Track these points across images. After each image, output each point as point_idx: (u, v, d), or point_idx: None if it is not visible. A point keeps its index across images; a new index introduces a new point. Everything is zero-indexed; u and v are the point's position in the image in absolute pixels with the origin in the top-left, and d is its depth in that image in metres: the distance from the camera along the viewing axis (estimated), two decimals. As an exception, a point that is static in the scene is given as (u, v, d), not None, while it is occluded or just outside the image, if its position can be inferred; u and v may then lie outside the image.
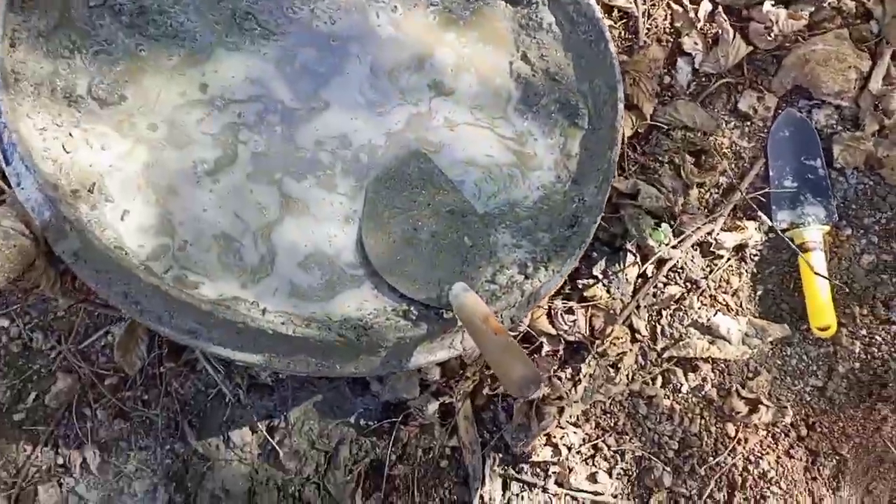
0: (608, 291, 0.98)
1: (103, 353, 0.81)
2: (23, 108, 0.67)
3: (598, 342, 0.95)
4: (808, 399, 0.95)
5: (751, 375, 0.96)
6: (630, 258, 0.97)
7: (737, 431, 0.94)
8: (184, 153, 0.75)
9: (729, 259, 0.98)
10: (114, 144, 0.72)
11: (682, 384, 0.95)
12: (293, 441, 0.85)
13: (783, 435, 0.94)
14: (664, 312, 0.97)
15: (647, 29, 1.02)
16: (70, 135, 0.69)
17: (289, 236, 0.74)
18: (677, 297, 0.97)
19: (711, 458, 0.93)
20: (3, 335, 0.79)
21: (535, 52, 0.92)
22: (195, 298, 0.64)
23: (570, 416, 0.95)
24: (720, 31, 1.00)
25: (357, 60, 0.85)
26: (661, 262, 0.97)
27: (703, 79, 1.02)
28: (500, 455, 0.93)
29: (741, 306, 0.98)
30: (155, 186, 0.72)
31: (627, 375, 0.96)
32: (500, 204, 0.84)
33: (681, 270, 0.99)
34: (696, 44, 1.01)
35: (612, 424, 0.95)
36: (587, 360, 0.95)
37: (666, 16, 1.03)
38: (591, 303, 0.97)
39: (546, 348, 0.96)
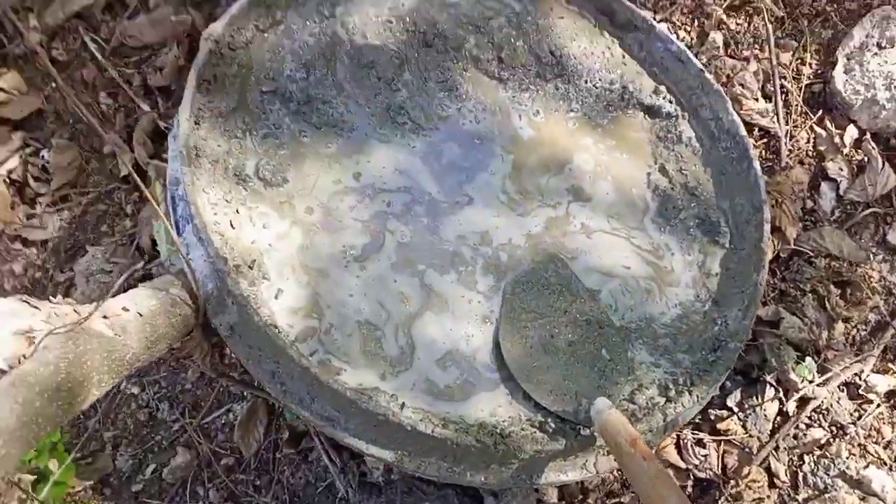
0: (744, 427, 0.92)
1: (222, 431, 0.81)
2: (200, 182, 0.72)
3: (731, 483, 0.88)
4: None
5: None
6: (769, 392, 0.92)
7: None
8: (335, 237, 0.77)
9: (880, 405, 0.91)
10: (274, 224, 0.75)
11: (824, 541, 0.86)
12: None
13: None
14: (807, 458, 0.90)
15: (789, 150, 1.01)
16: (237, 212, 0.73)
17: (428, 331, 0.74)
18: (822, 442, 0.90)
19: None
20: (132, 402, 0.81)
21: (673, 164, 0.93)
22: (339, 384, 0.64)
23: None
24: (867, 159, 0.98)
25: (500, 159, 0.88)
26: (803, 401, 0.91)
27: (849, 206, 1.00)
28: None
29: (895, 461, 0.89)
30: (307, 268, 0.74)
31: (761, 523, 0.88)
32: (636, 318, 0.82)
33: (825, 412, 0.92)
34: (840, 170, 0.99)
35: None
36: (719, 502, 0.88)
37: (809, 139, 1.02)
38: (724, 437, 0.91)
39: (669, 479, 0.90)
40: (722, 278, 0.86)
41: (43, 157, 1.03)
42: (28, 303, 0.60)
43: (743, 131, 0.92)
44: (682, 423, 0.78)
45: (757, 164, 0.89)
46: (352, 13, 0.92)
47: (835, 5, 1.02)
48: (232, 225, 0.72)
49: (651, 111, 0.96)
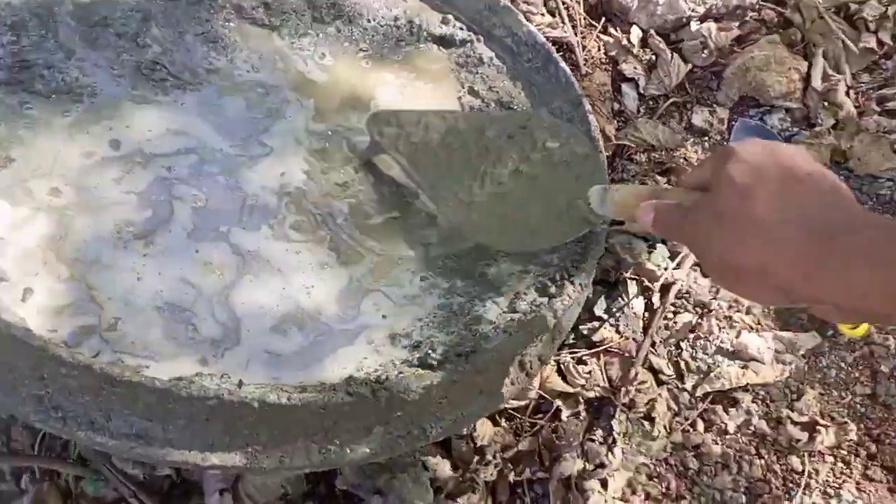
0: (617, 331, 0.89)
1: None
2: None
3: (621, 392, 0.84)
4: (863, 410, 0.87)
5: (795, 397, 0.87)
6: (633, 289, 0.90)
7: (804, 464, 0.83)
8: (101, 218, 0.60)
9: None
10: (2, 214, 0.57)
11: (725, 423, 0.84)
12: None
13: (853, 456, 0.84)
14: (683, 345, 0.89)
15: (585, 60, 1.02)
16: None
17: (255, 297, 0.60)
18: (693, 325, 0.90)
19: (787, 503, 0.81)
20: None
21: (481, 85, 0.89)
22: (144, 378, 0.47)
23: (615, 489, 0.81)
24: (655, 55, 1.03)
25: (299, 104, 0.77)
26: (665, 289, 0.91)
27: (651, 101, 1.03)
28: (541, 559, 0.76)
29: (759, 323, 0.91)
30: (67, 259, 0.56)
31: (665, 426, 0.85)
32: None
33: (687, 296, 0.92)
34: (635, 68, 1.02)
35: (664, 490, 0.82)
36: (616, 416, 0.83)
37: (599, 47, 1.04)
38: (602, 348, 0.87)
39: (566, 412, 0.84)
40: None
41: None
42: None
43: (541, 39, 0.90)
44: (570, 324, 0.72)
45: (564, 65, 0.88)
46: (66, -33, 0.76)
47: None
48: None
49: (444, 41, 0.92)
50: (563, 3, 1.03)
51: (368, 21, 0.89)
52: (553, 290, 0.67)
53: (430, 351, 0.58)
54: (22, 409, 0.48)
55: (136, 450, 0.49)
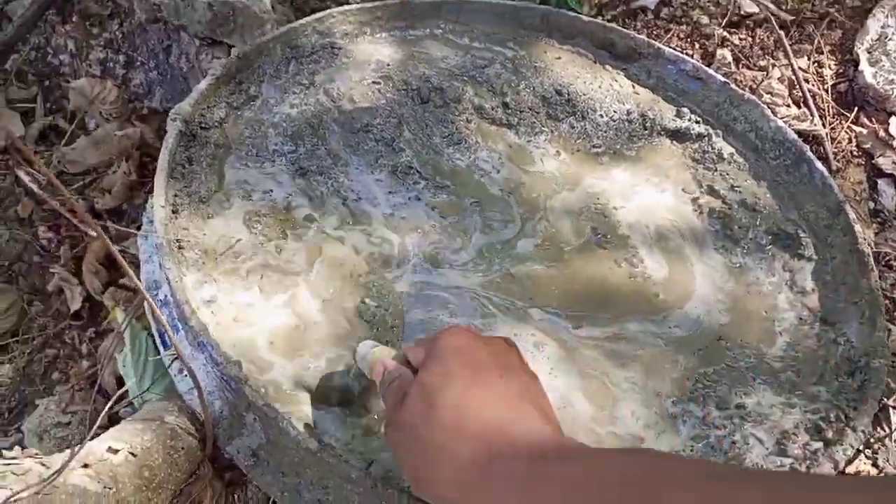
0: (875, 465, 0.79)
1: None
2: (188, 278, 0.60)
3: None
4: None
5: None
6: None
7: None
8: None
9: None
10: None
11: None
12: None
13: None
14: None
15: (834, 154, 0.96)
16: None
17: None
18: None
19: None
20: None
21: (721, 183, 0.86)
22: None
23: None
24: (921, 150, 0.94)
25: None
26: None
27: (914, 203, 0.94)
28: None
29: None
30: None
31: None
32: (745, 355, 0.71)
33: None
34: (894, 162, 0.94)
35: None
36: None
37: (850, 138, 0.98)
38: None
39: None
40: (821, 293, 0.77)
41: (-28, 307, 0.89)
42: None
43: (791, 135, 0.87)
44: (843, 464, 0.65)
45: (820, 165, 0.83)
46: (334, 79, 0.85)
47: (837, 6, 1.02)
48: (236, 320, 0.59)
49: (678, 135, 0.91)
50: (811, 93, 0.98)
51: (601, 116, 0.91)
52: (830, 434, 0.62)
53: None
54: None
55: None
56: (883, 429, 0.81)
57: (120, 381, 0.78)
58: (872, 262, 0.76)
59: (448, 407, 0.41)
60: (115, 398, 0.60)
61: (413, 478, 0.43)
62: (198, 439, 0.52)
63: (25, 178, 1.03)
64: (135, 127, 1.07)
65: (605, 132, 0.90)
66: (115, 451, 0.49)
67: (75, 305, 0.90)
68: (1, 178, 1.04)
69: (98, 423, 0.57)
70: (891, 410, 0.82)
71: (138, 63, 1.06)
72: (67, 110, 1.08)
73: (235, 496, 0.56)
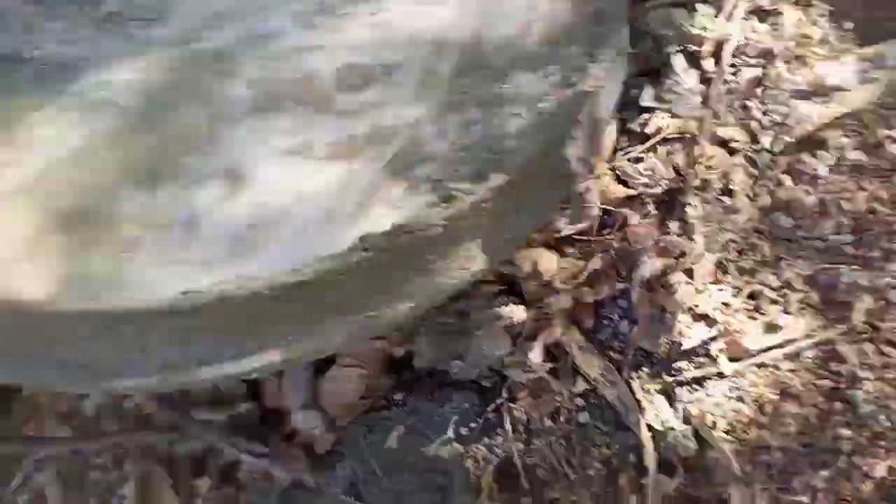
0: (672, 115, 0.85)
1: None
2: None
3: (690, 177, 0.81)
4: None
5: (893, 111, 0.79)
6: (681, 63, 0.84)
7: (913, 187, 0.77)
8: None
9: (796, 1, 0.84)
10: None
11: (816, 168, 0.79)
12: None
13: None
14: (751, 103, 0.83)
15: None
16: None
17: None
18: (758, 78, 0.83)
19: (902, 228, 0.76)
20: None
21: None
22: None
23: (704, 275, 0.81)
24: None
25: None
26: (718, 49, 0.84)
27: None
28: (646, 368, 0.78)
29: (834, 48, 0.82)
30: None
31: (747, 195, 0.82)
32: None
33: (746, 49, 0.85)
34: None
35: (759, 259, 0.80)
36: (689, 203, 0.81)
37: None
38: (659, 137, 0.84)
39: (634, 218, 0.83)
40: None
41: None
42: None
43: None
44: (608, 112, 0.68)
45: None
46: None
47: None
48: None
49: None
50: None
51: None
52: (575, 79, 0.63)
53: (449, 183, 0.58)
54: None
55: (169, 379, 0.55)
56: (672, 79, 0.85)
57: None
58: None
59: None
60: None
61: None
62: None
63: None
64: None
65: None
66: None
67: None
68: None
69: None
70: (674, 58, 0.86)
71: None
72: None
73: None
